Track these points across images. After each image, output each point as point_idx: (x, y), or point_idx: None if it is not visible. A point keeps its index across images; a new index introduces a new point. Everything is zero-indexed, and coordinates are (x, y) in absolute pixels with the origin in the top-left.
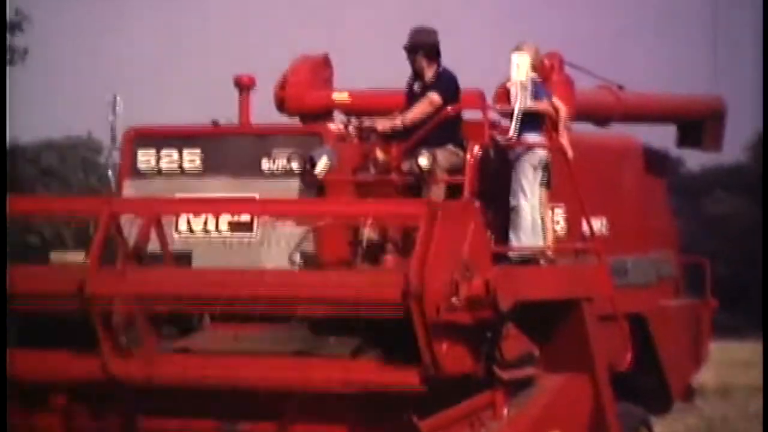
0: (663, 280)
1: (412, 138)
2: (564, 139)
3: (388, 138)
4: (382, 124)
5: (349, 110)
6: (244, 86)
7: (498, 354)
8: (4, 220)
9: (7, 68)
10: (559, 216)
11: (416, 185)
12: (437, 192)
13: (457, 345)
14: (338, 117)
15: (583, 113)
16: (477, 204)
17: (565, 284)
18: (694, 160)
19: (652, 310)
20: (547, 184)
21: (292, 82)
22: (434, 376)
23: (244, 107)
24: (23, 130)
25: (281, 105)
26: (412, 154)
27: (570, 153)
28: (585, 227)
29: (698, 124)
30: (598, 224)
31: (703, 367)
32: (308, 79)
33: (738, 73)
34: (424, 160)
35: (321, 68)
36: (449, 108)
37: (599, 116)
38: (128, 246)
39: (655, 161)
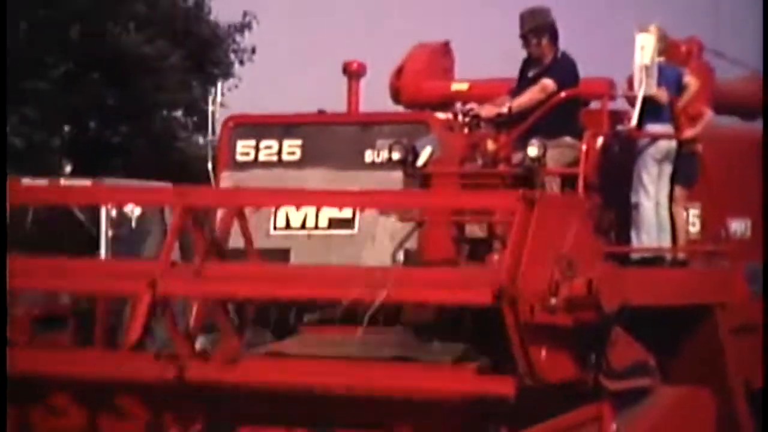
0: None
1: (522, 126)
2: (694, 125)
3: (499, 126)
4: (488, 111)
5: (469, 101)
6: (353, 73)
7: (604, 362)
8: (4, 220)
9: (237, 68)
10: (693, 216)
11: (527, 178)
12: (551, 186)
13: (558, 351)
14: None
15: (725, 105)
16: (583, 197)
17: (691, 289)
18: None
19: None
20: (679, 179)
21: (409, 71)
22: (531, 386)
23: (353, 95)
24: None
25: (397, 95)
26: (523, 144)
27: (694, 132)
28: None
29: None
30: (742, 226)
31: None
32: (426, 68)
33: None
34: (534, 150)
35: (440, 56)
36: (562, 94)
37: (745, 109)
38: (207, 241)
39: None
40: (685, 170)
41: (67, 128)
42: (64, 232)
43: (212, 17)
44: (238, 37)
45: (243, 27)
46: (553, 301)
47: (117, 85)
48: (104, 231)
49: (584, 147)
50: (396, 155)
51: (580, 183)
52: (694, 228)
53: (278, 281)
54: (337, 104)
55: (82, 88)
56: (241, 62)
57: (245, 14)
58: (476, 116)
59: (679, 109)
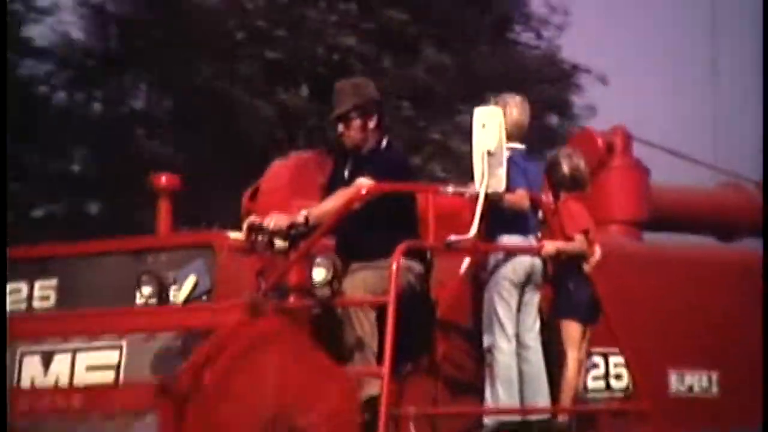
0: None
1: (312, 242)
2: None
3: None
4: (277, 221)
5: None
6: (162, 189)
7: None
8: (4, 221)
9: None
10: (617, 366)
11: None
12: (361, 323)
13: None
14: None
15: (684, 220)
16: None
17: None
18: None
19: None
20: (564, 311)
21: (266, 191)
22: None
23: (163, 215)
24: None
25: None
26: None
27: (555, 248)
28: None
29: None
30: (703, 381)
31: None
32: (288, 186)
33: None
34: (321, 273)
35: (310, 170)
36: (364, 191)
37: (718, 227)
38: None
39: None
40: (567, 298)
41: None
42: None
43: None
44: None
45: None
46: None
47: None
48: None
49: (394, 265)
50: (146, 290)
51: (390, 316)
52: (620, 382)
53: None
54: None
55: None
56: None
57: None
58: (258, 229)
59: (550, 213)
